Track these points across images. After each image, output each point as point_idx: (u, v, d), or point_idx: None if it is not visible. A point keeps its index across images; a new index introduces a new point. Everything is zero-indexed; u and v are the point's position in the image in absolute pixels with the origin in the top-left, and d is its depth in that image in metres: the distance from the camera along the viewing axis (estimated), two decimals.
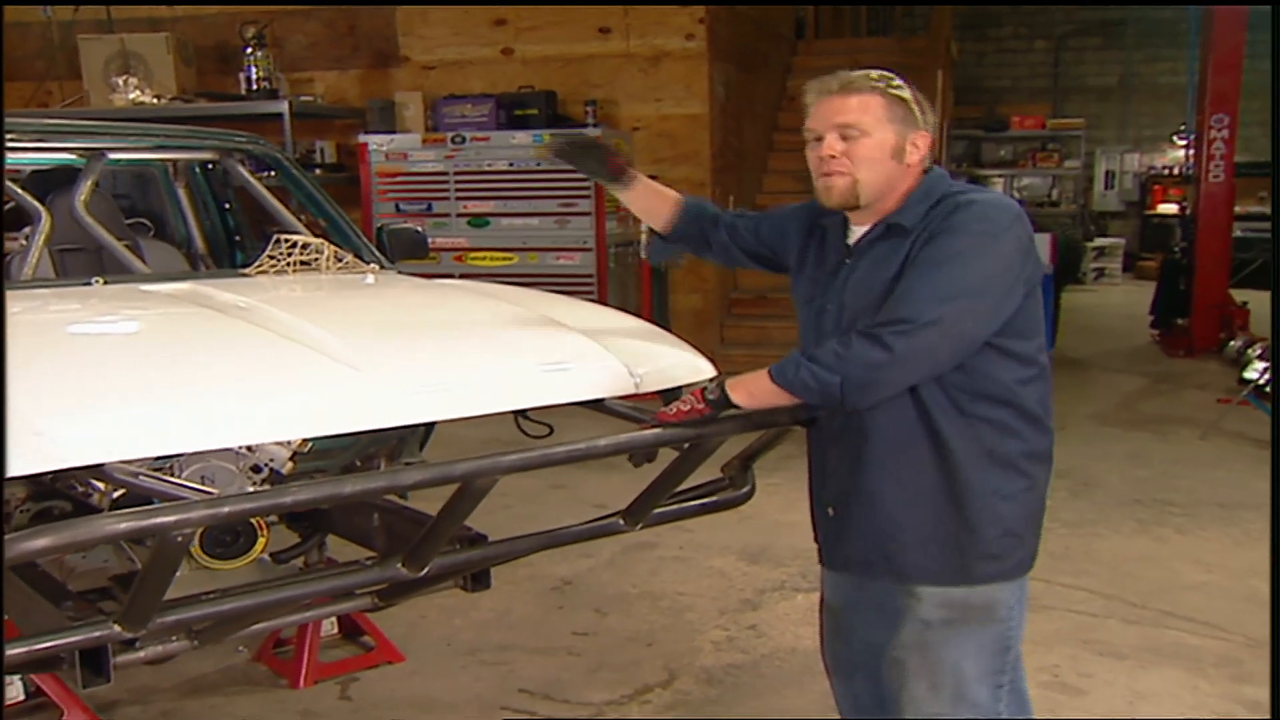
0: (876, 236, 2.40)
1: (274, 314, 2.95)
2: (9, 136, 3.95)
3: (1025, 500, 2.43)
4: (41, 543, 1.98)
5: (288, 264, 3.88)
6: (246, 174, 4.42)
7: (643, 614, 4.25)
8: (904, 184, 2.38)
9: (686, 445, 2.72)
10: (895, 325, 2.20)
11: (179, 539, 2.07)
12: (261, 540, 3.12)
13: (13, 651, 2.25)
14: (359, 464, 3.76)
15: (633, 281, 8.04)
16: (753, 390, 2.35)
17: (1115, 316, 12.50)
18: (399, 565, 2.62)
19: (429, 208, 8.17)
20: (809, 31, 10.60)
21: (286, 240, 3.93)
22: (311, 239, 3.98)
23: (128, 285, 3.49)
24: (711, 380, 2.46)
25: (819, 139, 2.37)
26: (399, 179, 8.22)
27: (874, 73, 2.38)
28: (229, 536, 3.10)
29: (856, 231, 2.46)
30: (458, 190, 8.11)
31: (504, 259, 8.00)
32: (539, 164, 7.89)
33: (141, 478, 2.32)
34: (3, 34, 8.47)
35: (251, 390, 2.52)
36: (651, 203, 2.90)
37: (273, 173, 4.69)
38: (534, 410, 3.21)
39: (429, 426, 3.78)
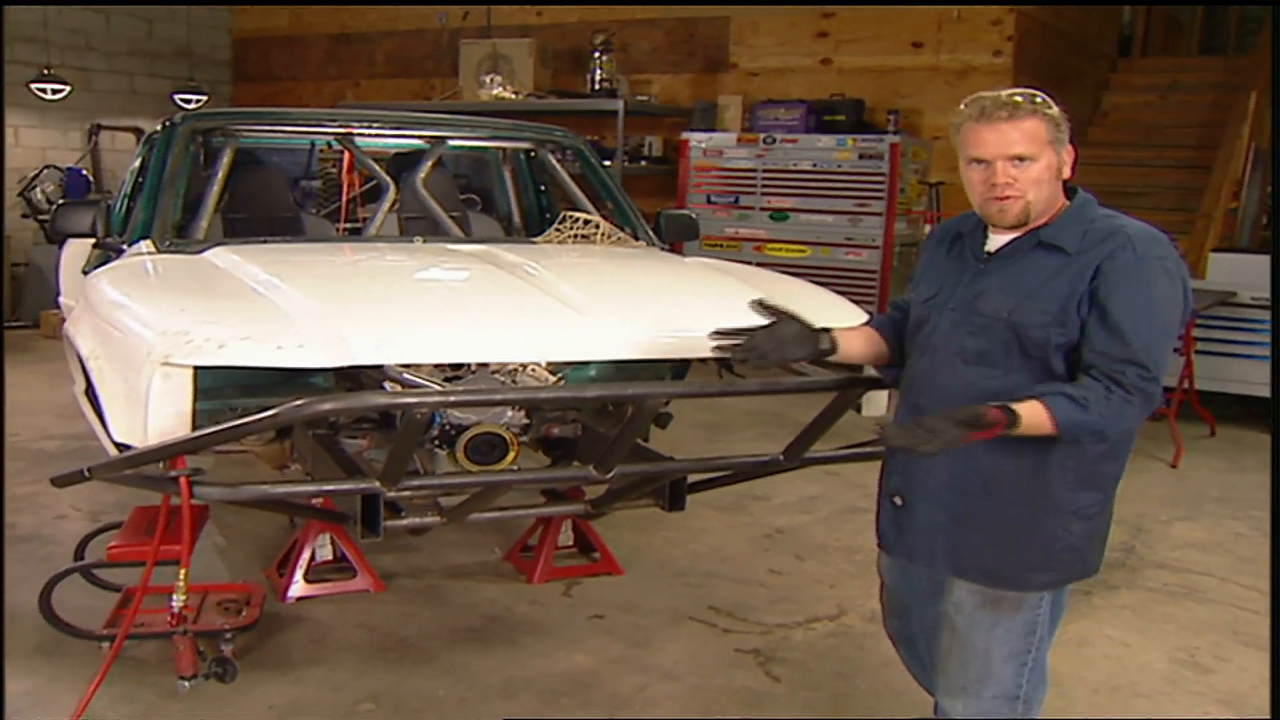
0: (1023, 249, 2.51)
1: (537, 270, 3.79)
2: (376, 126, 5.07)
3: (1098, 518, 2.57)
4: (328, 405, 2.92)
5: (569, 236, 4.77)
6: (554, 162, 5.33)
7: (836, 563, 4.83)
8: (1057, 200, 2.52)
9: (834, 396, 3.33)
10: (1145, 373, 2.34)
11: (419, 416, 2.91)
12: (513, 453, 3.66)
13: (306, 488, 3.22)
14: (610, 408, 4.53)
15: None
16: (1031, 424, 2.36)
17: None
18: (591, 469, 3.39)
19: (736, 200, 8.96)
20: (1135, 49, 10.52)
21: (571, 217, 4.83)
22: (591, 217, 4.84)
23: (439, 244, 4.48)
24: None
25: (985, 163, 2.47)
26: (712, 173, 9.06)
27: (1026, 95, 2.47)
28: (486, 447, 3.66)
29: (996, 240, 2.56)
30: (764, 186, 8.85)
31: (798, 251, 8.65)
32: (839, 165, 8.50)
33: (405, 375, 3.22)
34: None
35: (496, 323, 3.37)
36: (870, 349, 2.91)
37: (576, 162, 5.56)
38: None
39: (675, 377, 4.50)
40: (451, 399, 3.00)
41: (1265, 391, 6.90)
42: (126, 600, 3.72)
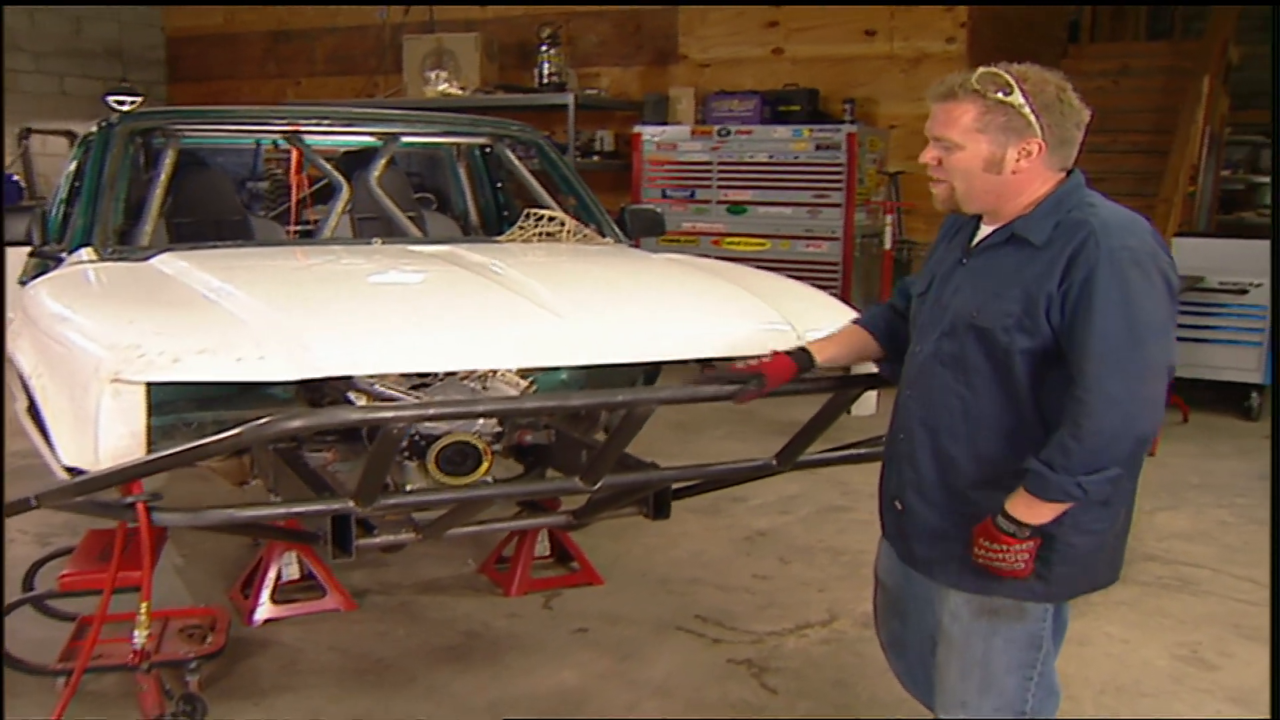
0: (995, 242, 2.38)
1: (505, 271, 3.60)
2: (326, 123, 4.84)
3: (1105, 533, 2.39)
4: (296, 423, 2.70)
5: (534, 234, 4.57)
6: (513, 157, 5.14)
7: (822, 565, 4.69)
8: (1028, 189, 2.33)
9: (827, 399, 3.20)
10: (1112, 387, 2.17)
11: (394, 431, 2.72)
12: (486, 463, 3.42)
13: (274, 511, 3.01)
14: (583, 413, 4.35)
15: (875, 270, 8.36)
16: (1038, 514, 2.29)
17: None
18: (577, 480, 3.20)
19: (692, 194, 8.80)
20: (1084, 35, 10.52)
21: (535, 214, 4.63)
22: (556, 214, 4.65)
23: (399, 246, 4.27)
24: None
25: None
26: (667, 167, 8.89)
27: (979, 76, 2.30)
28: (459, 457, 3.40)
29: (984, 231, 2.44)
30: (720, 179, 8.69)
31: (758, 244, 8.51)
32: (796, 157, 8.37)
33: (376, 387, 3.02)
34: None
35: (468, 327, 3.17)
36: (850, 348, 2.85)
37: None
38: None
39: (647, 380, 4.36)
40: (430, 412, 2.81)
41: (1236, 376, 6.90)
42: (82, 630, 3.49)
